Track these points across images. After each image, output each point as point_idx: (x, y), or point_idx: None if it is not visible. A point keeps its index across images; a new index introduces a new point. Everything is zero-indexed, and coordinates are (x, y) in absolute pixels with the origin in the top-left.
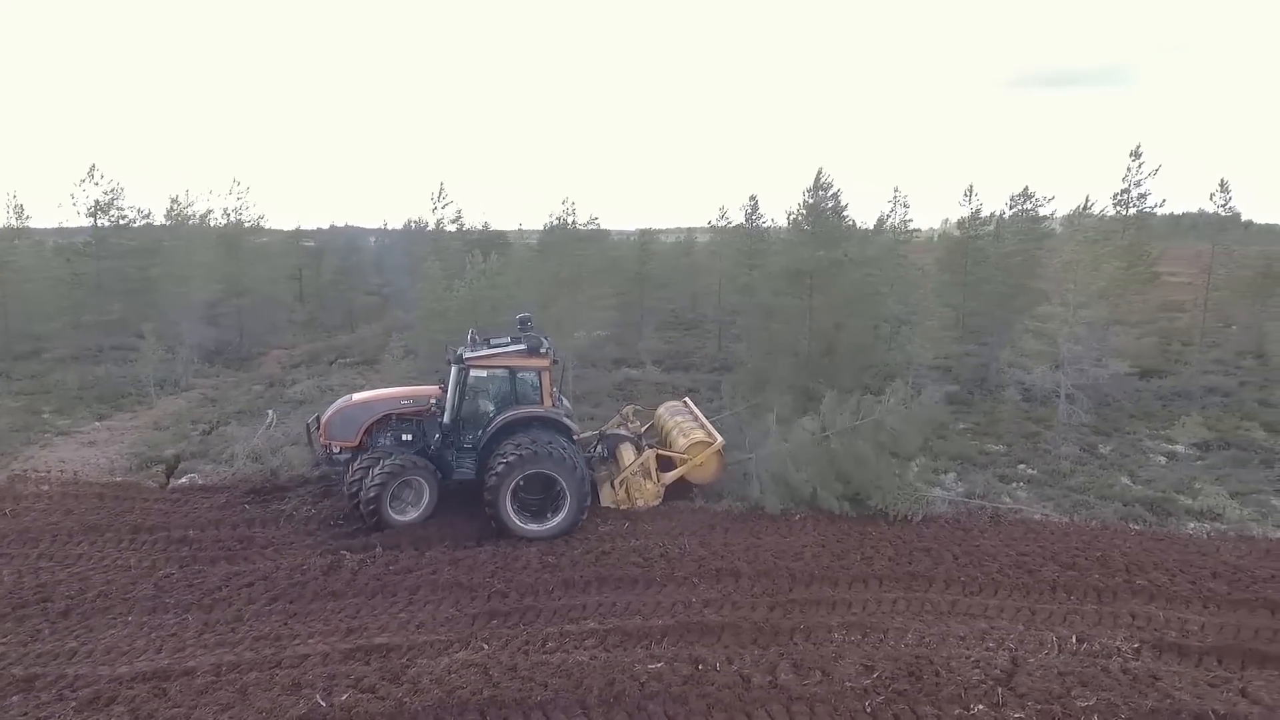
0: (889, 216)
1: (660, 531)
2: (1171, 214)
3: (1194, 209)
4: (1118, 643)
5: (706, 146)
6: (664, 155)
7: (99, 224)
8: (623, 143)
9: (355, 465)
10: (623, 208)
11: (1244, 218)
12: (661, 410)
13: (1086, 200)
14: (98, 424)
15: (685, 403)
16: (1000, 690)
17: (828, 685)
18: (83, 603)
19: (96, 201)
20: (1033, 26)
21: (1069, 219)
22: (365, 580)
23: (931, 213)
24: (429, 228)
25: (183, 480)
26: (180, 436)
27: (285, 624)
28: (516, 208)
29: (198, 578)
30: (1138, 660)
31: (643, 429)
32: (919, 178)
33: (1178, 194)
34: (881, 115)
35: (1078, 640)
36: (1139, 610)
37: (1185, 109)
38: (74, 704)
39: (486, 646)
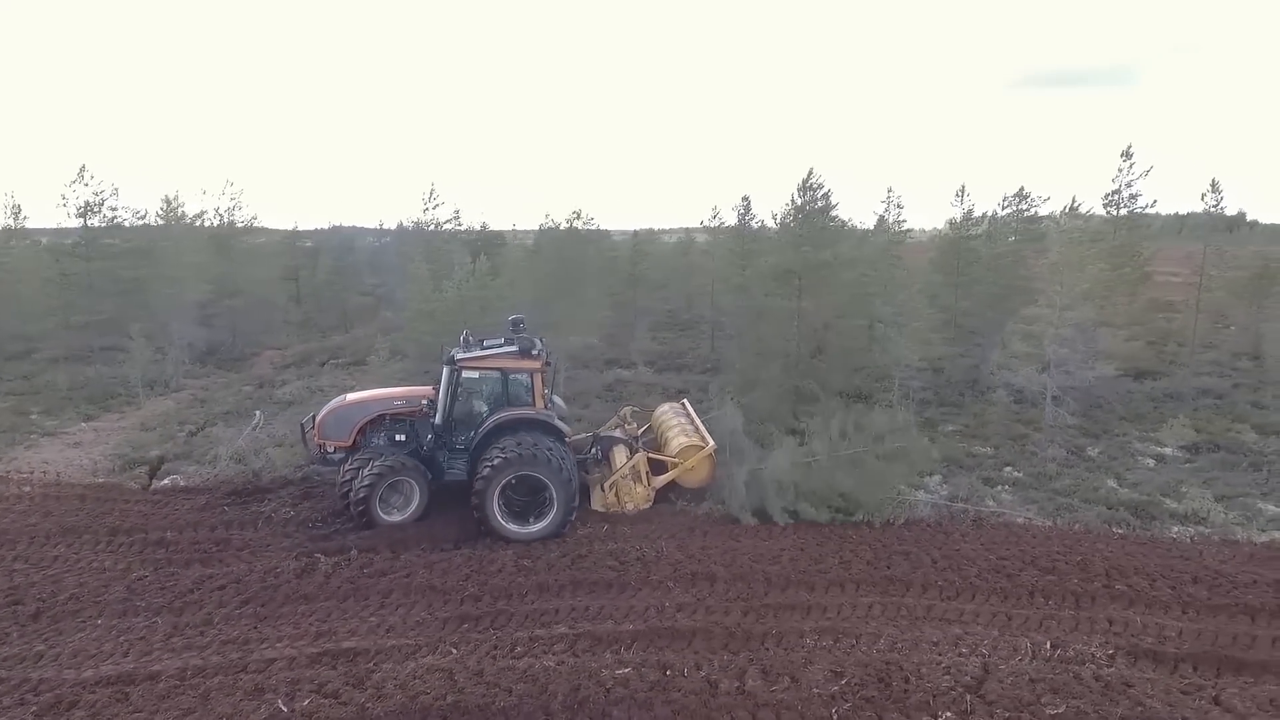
0: (888, 217)
1: (638, 535)
2: (1177, 214)
3: (1199, 209)
4: (1092, 649)
5: (713, 147)
6: (671, 155)
7: (89, 224)
8: (627, 143)
9: (347, 465)
10: (627, 208)
11: (1249, 217)
12: (659, 412)
13: (1073, 200)
14: (84, 425)
15: (683, 405)
16: (969, 697)
17: (795, 691)
18: (53, 605)
19: (86, 202)
20: (1036, 27)
21: (1055, 219)
22: (338, 583)
23: (938, 213)
24: (430, 228)
25: (165, 482)
26: (166, 437)
27: (254, 627)
28: (512, 207)
29: (170, 580)
30: (1111, 667)
31: (639, 430)
32: (927, 179)
33: (1184, 194)
34: (889, 117)
35: (1052, 646)
36: (1116, 616)
37: (1192, 108)
38: (34, 709)
39: (455, 651)
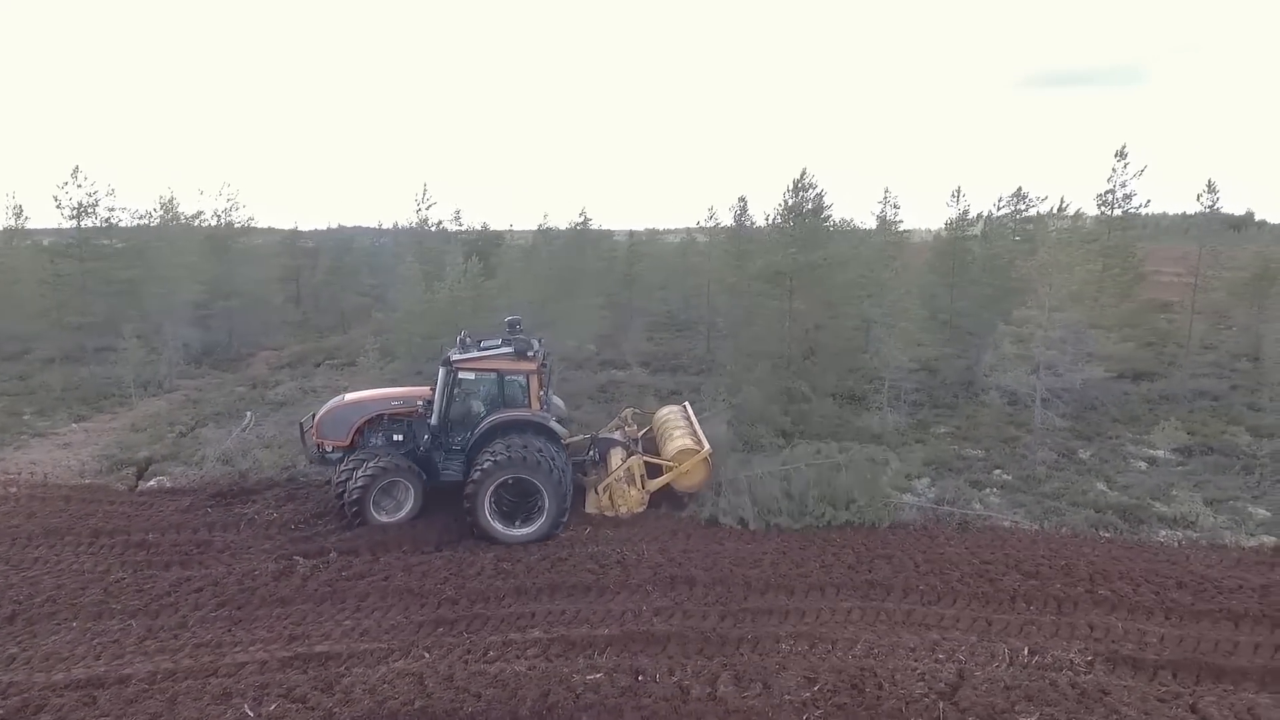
0: (886, 217)
1: (620, 538)
2: (1184, 214)
3: (1202, 209)
4: (1071, 655)
5: (721, 147)
6: (679, 154)
7: (82, 225)
8: (633, 142)
9: (343, 465)
10: (633, 209)
11: (1258, 216)
12: (659, 415)
13: (1061, 201)
14: (75, 425)
15: (684, 408)
16: (942, 705)
17: (766, 698)
18: (29, 608)
19: (80, 203)
20: (1041, 27)
21: (1044, 220)
22: (315, 586)
23: (945, 214)
24: (433, 228)
25: (151, 483)
26: (156, 438)
27: (228, 631)
28: (515, 208)
29: (148, 583)
30: (1089, 674)
31: (640, 433)
32: (937, 179)
33: (1193, 193)
34: (898, 118)
35: (1030, 652)
36: (1098, 621)
37: (1203, 108)
38: (1, 712)
39: (427, 655)
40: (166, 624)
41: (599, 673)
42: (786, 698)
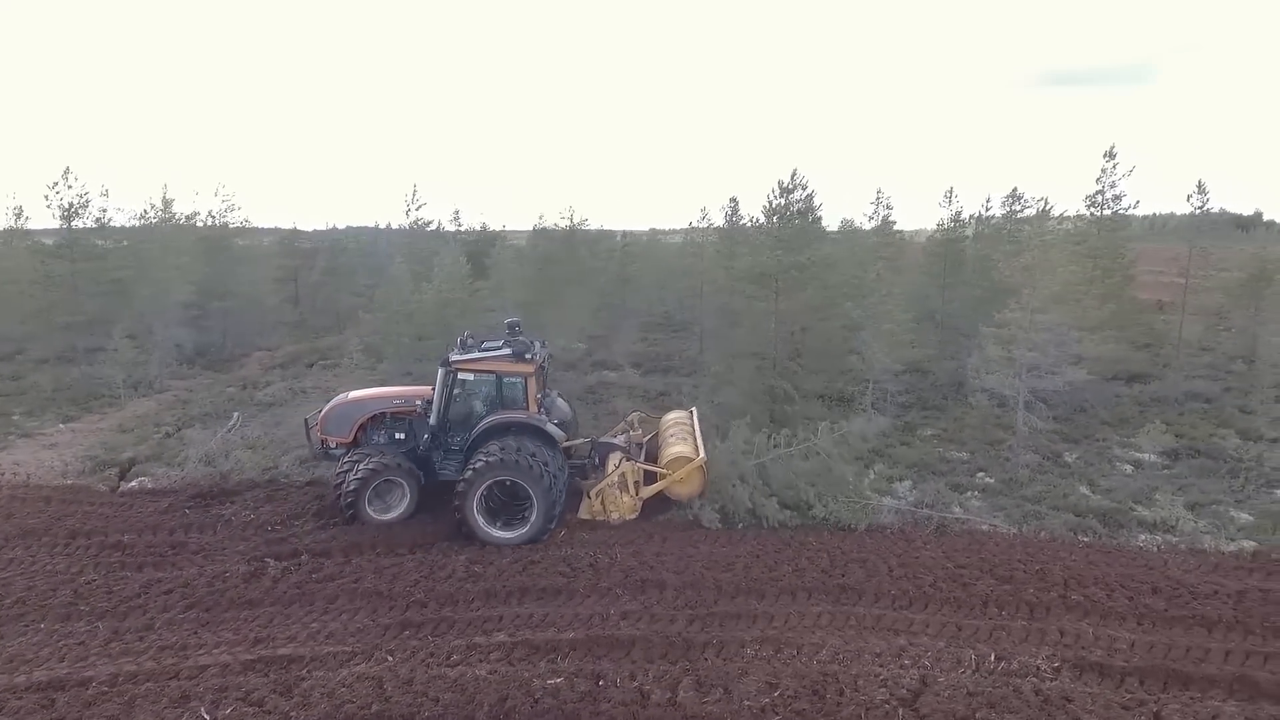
0: (878, 216)
1: (594, 540)
2: (1190, 214)
3: (1205, 210)
4: (1038, 661)
5: (725, 148)
6: (685, 153)
7: (73, 226)
8: (638, 141)
9: (342, 462)
10: (635, 208)
11: (1266, 216)
12: (664, 420)
13: (1045, 202)
14: (62, 426)
15: (690, 413)
16: (903, 711)
17: (726, 704)
18: None
19: (70, 204)
20: (1048, 27)
21: (1032, 221)
22: (285, 588)
23: (945, 215)
24: (430, 227)
25: (133, 484)
26: (141, 439)
27: (194, 633)
28: (511, 208)
29: (119, 584)
30: (1055, 680)
31: (645, 438)
32: (943, 180)
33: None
34: (906, 119)
35: (997, 658)
36: (1069, 627)
37: (1207, 106)
38: None
39: (390, 658)
40: (133, 626)
41: (559, 677)
42: (746, 703)
